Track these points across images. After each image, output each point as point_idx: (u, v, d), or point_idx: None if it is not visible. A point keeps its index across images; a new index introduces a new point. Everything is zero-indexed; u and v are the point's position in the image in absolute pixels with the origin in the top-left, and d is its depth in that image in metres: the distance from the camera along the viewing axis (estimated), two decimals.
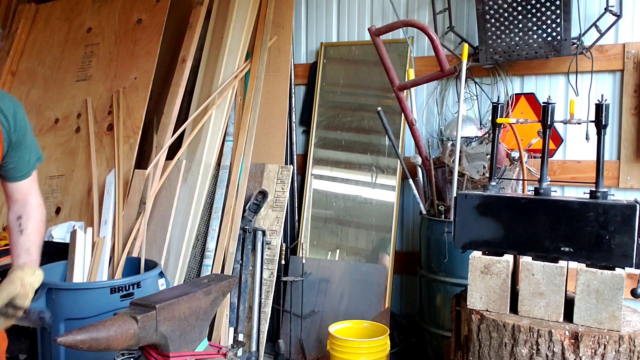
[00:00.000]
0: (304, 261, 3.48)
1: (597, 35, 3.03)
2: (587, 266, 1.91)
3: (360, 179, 3.58)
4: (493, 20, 3.08)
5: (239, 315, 3.27)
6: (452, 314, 2.24)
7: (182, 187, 3.29)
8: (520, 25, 3.03)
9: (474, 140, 3.15)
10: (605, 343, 1.80)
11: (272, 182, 3.52)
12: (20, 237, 1.82)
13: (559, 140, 3.21)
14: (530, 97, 3.26)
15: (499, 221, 2.04)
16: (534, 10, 2.98)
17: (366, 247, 3.49)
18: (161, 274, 2.76)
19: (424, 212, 3.09)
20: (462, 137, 3.02)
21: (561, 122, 2.23)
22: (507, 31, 3.06)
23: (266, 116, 3.65)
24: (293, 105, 3.79)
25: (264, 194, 3.42)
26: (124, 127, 3.43)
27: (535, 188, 2.08)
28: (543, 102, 2.10)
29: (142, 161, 3.60)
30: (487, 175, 2.85)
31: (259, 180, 3.54)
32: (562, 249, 1.93)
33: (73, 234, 2.84)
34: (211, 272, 3.24)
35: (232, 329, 3.24)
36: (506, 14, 3.05)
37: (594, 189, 1.97)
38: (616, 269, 1.88)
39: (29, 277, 1.73)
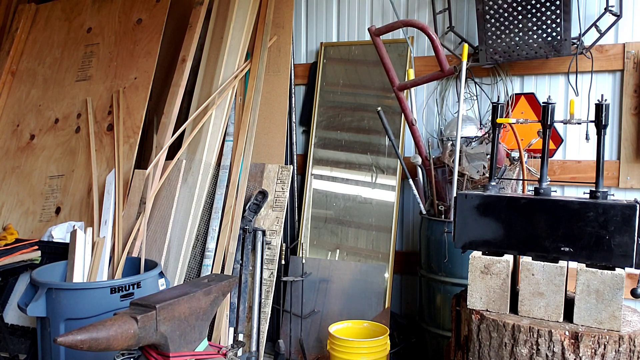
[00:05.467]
0: (304, 261, 3.48)
1: (597, 35, 3.03)
2: (587, 266, 1.91)
3: (360, 179, 3.58)
4: (493, 20, 3.08)
5: (239, 315, 3.27)
6: (452, 314, 2.24)
7: (182, 187, 3.29)
8: (520, 25, 3.03)
9: (474, 140, 3.15)
10: (605, 343, 1.80)
11: (272, 182, 3.52)
12: None
13: (559, 140, 3.21)
14: (530, 97, 3.26)
15: (499, 221, 2.04)
16: (534, 10, 2.98)
17: (366, 247, 3.49)
18: (161, 274, 2.76)
19: (424, 212, 3.09)
20: (462, 137, 3.02)
21: (561, 122, 2.23)
22: (507, 31, 3.06)
23: (266, 116, 3.65)
24: (293, 105, 3.80)
25: (264, 194, 3.42)
26: (124, 127, 3.43)
27: (535, 188, 2.08)
28: (543, 102, 2.10)
29: (142, 161, 3.60)
30: (487, 175, 2.85)
31: (259, 180, 3.54)
32: (562, 249, 1.93)
33: (73, 234, 2.84)
34: (211, 272, 3.24)
35: (232, 329, 3.24)
36: (506, 14, 3.05)
37: (594, 189, 1.97)
38: (616, 269, 1.88)
39: None
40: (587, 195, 1.99)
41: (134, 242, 3.01)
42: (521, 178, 2.70)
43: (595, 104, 1.98)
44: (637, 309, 2.15)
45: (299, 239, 3.63)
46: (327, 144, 3.72)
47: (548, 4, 2.94)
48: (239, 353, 3.05)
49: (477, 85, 3.38)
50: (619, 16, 2.96)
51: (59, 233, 3.18)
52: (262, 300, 3.33)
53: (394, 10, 3.56)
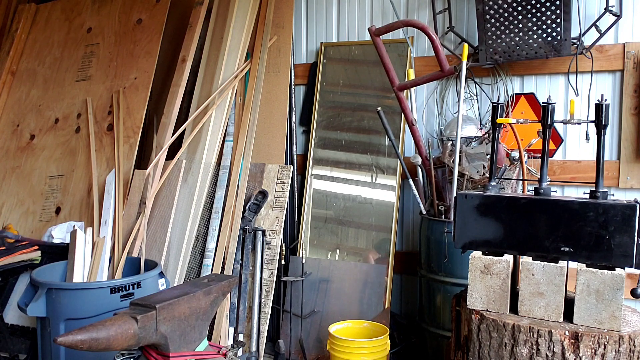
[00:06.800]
0: (304, 261, 3.48)
1: (597, 35, 3.03)
2: (587, 266, 1.91)
3: (360, 179, 3.58)
4: (493, 20, 3.08)
5: (239, 315, 3.27)
6: (452, 314, 2.24)
7: (182, 187, 3.29)
8: (520, 25, 3.03)
9: (474, 140, 3.15)
10: (605, 343, 1.80)
11: (272, 182, 3.52)
12: None
13: (559, 140, 3.21)
14: (530, 97, 3.26)
15: (499, 221, 2.04)
16: (534, 10, 2.98)
17: (366, 247, 3.49)
18: (161, 274, 2.76)
19: (424, 212, 3.09)
20: (462, 137, 3.02)
21: (561, 122, 2.23)
22: (507, 31, 3.06)
23: (266, 116, 3.65)
24: (293, 105, 3.80)
25: (264, 194, 3.42)
26: (124, 127, 3.43)
27: (535, 188, 2.08)
28: (543, 102, 2.10)
29: (142, 161, 3.60)
30: (487, 175, 2.85)
31: (259, 180, 3.54)
32: (562, 249, 1.93)
33: (73, 234, 2.84)
34: (211, 272, 3.24)
35: (232, 329, 3.24)
36: (506, 14, 3.05)
37: (594, 189, 1.97)
38: (616, 269, 1.88)
39: None
40: (587, 195, 1.99)
41: (134, 242, 3.01)
42: (521, 178, 2.70)
43: (595, 104, 1.98)
44: (637, 309, 2.15)
45: (299, 239, 3.63)
46: (327, 144, 3.71)
47: (548, 4, 2.94)
48: (239, 353, 3.05)
49: (477, 85, 3.38)
50: (619, 16, 2.96)
51: (59, 233, 3.18)
52: (262, 300, 3.33)
53: (394, 10, 3.56)
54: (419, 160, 3.11)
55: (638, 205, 1.83)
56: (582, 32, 3.04)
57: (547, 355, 1.84)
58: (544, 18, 2.97)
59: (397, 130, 3.49)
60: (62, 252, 2.93)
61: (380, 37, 2.99)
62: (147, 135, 3.65)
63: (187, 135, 3.41)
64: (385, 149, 3.54)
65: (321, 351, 3.34)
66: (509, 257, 2.05)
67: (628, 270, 1.90)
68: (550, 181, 2.16)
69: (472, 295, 2.08)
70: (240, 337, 3.23)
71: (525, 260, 2.00)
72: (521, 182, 2.79)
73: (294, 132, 3.79)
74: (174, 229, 3.20)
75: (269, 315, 3.34)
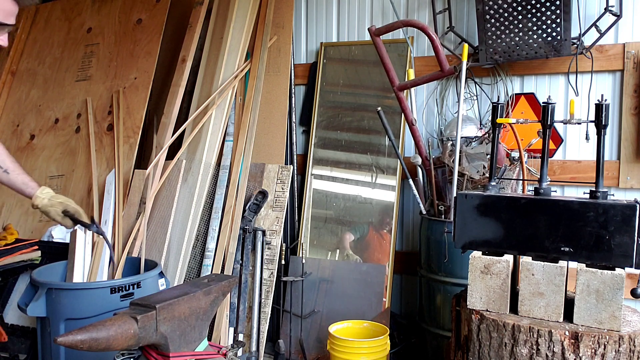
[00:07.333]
0: (304, 261, 3.48)
1: (597, 35, 3.03)
2: (587, 266, 1.91)
3: (360, 179, 3.58)
4: (493, 20, 3.08)
5: (239, 315, 3.27)
6: (452, 314, 2.24)
7: (182, 187, 3.29)
8: (520, 25, 3.03)
9: (474, 140, 3.15)
10: (605, 343, 1.80)
11: (272, 182, 3.52)
12: (9, 176, 2.15)
13: (559, 140, 3.21)
14: (530, 97, 3.26)
15: (499, 221, 2.04)
16: (534, 10, 2.98)
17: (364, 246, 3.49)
18: (161, 274, 2.76)
19: (424, 212, 3.09)
20: (462, 137, 3.02)
21: (561, 122, 2.23)
22: (507, 31, 3.06)
23: (266, 116, 3.65)
24: (293, 105, 3.79)
25: (264, 194, 3.42)
26: (124, 127, 3.43)
27: (535, 188, 2.08)
28: (543, 102, 2.10)
29: (142, 161, 3.60)
30: (487, 175, 2.85)
31: (259, 180, 3.54)
32: (562, 249, 1.93)
33: (73, 234, 2.83)
34: (211, 272, 3.24)
35: (232, 329, 3.24)
36: (506, 14, 3.05)
37: (594, 189, 1.97)
38: (616, 269, 1.88)
39: (47, 195, 2.24)
40: (587, 195, 1.99)
41: (134, 242, 3.01)
42: (521, 178, 2.70)
43: (595, 104, 1.98)
44: (637, 309, 2.15)
45: (299, 239, 3.63)
46: (327, 144, 3.71)
47: (548, 4, 2.94)
48: (239, 353, 3.05)
49: (477, 85, 3.38)
50: (619, 16, 2.96)
51: (59, 233, 3.18)
52: (262, 300, 3.33)
53: (394, 10, 3.56)
54: (419, 160, 3.11)
55: (638, 205, 1.82)
56: (582, 32, 3.04)
57: (547, 355, 1.84)
58: (544, 18, 2.97)
59: (397, 130, 3.49)
60: (62, 252, 2.93)
61: (380, 37, 2.99)
62: (147, 135, 3.65)
63: (187, 135, 3.41)
64: (385, 149, 3.54)
65: (321, 351, 3.34)
66: (509, 257, 2.05)
67: (628, 270, 1.90)
68: (550, 181, 2.16)
69: (472, 295, 2.08)
70: (240, 337, 3.23)
71: (525, 260, 2.00)
72: (521, 182, 2.79)
73: (294, 132, 3.79)
74: (174, 229, 3.19)
75: (269, 315, 3.34)
